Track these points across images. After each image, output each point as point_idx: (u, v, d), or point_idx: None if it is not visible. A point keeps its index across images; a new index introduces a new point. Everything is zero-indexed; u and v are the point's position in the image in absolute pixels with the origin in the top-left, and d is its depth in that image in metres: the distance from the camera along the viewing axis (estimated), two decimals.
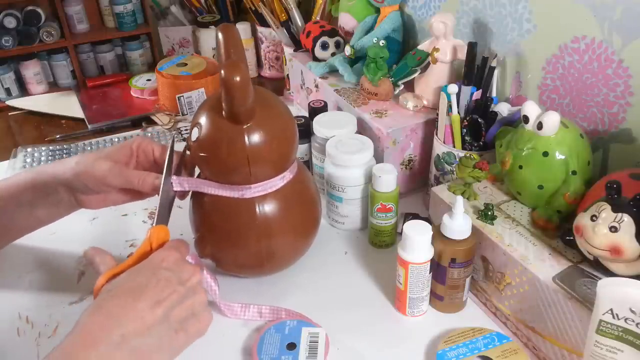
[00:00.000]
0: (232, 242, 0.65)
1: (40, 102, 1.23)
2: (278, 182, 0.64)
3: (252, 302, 0.68)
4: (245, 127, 0.59)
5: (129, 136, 1.07)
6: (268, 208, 0.64)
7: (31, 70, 1.26)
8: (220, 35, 0.62)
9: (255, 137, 0.60)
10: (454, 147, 0.74)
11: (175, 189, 0.63)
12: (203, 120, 0.61)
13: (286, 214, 0.65)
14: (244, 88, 0.56)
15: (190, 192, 0.67)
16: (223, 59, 0.62)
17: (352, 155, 0.74)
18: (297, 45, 1.08)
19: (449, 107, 0.73)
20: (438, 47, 0.80)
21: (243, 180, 0.62)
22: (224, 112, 0.59)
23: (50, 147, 1.02)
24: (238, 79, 0.55)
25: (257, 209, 0.64)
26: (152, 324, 0.48)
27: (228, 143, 0.60)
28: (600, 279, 0.50)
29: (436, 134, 0.77)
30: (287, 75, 1.16)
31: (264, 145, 0.60)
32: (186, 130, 1.08)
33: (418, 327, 0.64)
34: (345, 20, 1.03)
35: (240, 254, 0.66)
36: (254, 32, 1.29)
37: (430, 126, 0.80)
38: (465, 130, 0.73)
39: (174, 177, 0.63)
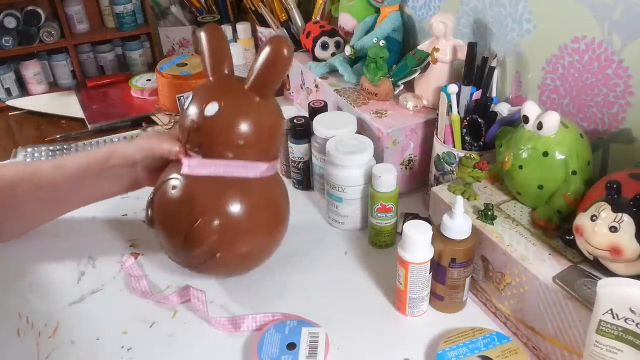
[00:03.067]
0: (245, 227, 0.63)
1: (40, 102, 1.23)
2: (273, 168, 0.66)
3: (252, 302, 0.68)
4: (266, 101, 0.63)
5: (129, 136, 1.07)
6: (274, 189, 0.65)
7: (31, 70, 1.26)
8: (204, 36, 0.65)
9: (274, 112, 0.64)
10: (454, 147, 0.74)
11: (184, 171, 0.63)
12: (222, 94, 0.62)
13: (283, 195, 0.68)
14: (289, 62, 0.61)
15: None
16: (207, 59, 0.65)
17: (352, 155, 0.74)
18: (297, 45, 1.08)
19: (449, 107, 0.73)
20: (438, 47, 0.80)
21: (260, 156, 0.63)
22: (249, 86, 0.62)
23: (50, 147, 1.02)
24: (286, 52, 0.60)
25: (266, 189, 0.65)
26: None
27: (258, 115, 0.62)
28: (600, 279, 0.50)
29: (436, 134, 0.77)
30: (287, 75, 1.15)
31: (278, 120, 0.64)
32: None
33: (418, 327, 0.64)
34: (345, 20, 1.03)
35: (252, 239, 0.65)
36: (254, 32, 1.28)
37: (430, 126, 0.80)
38: (465, 130, 0.73)
39: (184, 159, 0.63)
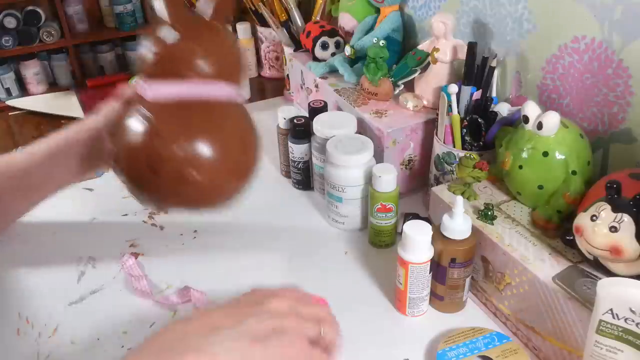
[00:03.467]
0: (219, 145, 0.58)
1: (40, 102, 1.23)
2: (238, 93, 0.63)
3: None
4: (221, 24, 0.61)
5: None
6: (243, 115, 0.62)
7: (31, 70, 1.26)
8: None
9: (230, 34, 0.63)
10: (454, 147, 0.74)
11: (147, 95, 0.57)
12: (176, 21, 0.59)
13: (251, 124, 0.64)
14: None
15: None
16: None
17: (352, 155, 0.74)
18: (297, 45, 1.08)
19: (449, 107, 0.73)
20: (438, 47, 0.80)
21: (236, 79, 0.61)
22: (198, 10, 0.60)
23: None
24: None
25: (236, 114, 0.61)
26: None
27: (216, 35, 0.60)
28: (600, 279, 0.50)
29: (436, 134, 0.77)
30: (287, 75, 1.15)
31: (235, 42, 0.63)
32: None
33: (418, 327, 0.64)
34: (345, 20, 1.03)
35: (226, 165, 0.60)
36: (254, 32, 1.29)
37: (430, 126, 0.80)
38: (465, 130, 0.73)
39: (144, 84, 0.58)
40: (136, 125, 0.57)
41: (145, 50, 0.59)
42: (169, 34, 0.58)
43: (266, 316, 0.46)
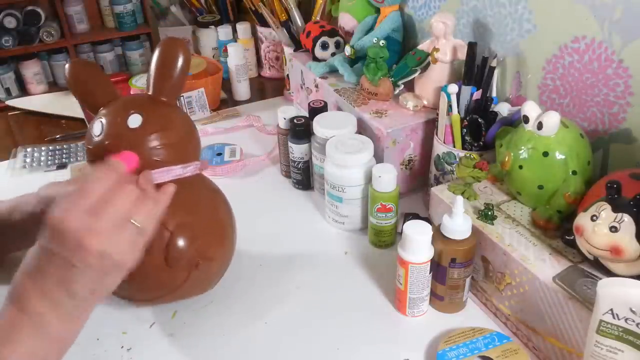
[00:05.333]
0: (210, 225, 0.61)
1: (40, 102, 1.23)
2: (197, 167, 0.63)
3: (251, 301, 0.68)
4: (174, 103, 0.62)
5: None
6: (211, 188, 0.65)
7: (31, 70, 1.26)
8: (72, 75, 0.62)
9: (184, 113, 0.63)
10: (454, 147, 0.74)
11: (157, 181, 0.58)
12: (137, 106, 0.59)
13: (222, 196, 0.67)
14: (187, 62, 0.60)
15: None
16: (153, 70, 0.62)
17: (352, 155, 0.74)
18: (297, 45, 1.08)
19: (449, 107, 0.73)
20: (438, 47, 0.80)
21: (192, 157, 0.61)
22: (152, 90, 0.60)
23: (50, 147, 1.02)
24: (183, 56, 0.60)
25: (205, 187, 0.63)
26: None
27: (182, 117, 0.61)
28: (600, 279, 0.51)
29: (436, 134, 0.77)
30: (287, 75, 1.15)
31: (190, 121, 0.63)
32: None
33: (418, 327, 0.64)
34: (345, 20, 1.03)
35: (218, 236, 0.63)
36: (254, 32, 1.29)
37: (430, 126, 0.80)
38: (465, 130, 0.73)
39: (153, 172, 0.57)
40: None
41: (110, 135, 0.58)
42: (134, 120, 0.58)
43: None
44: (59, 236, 0.46)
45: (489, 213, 0.63)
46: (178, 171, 0.58)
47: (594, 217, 0.51)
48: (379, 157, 0.78)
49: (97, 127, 0.58)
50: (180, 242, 0.59)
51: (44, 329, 0.47)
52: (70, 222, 0.46)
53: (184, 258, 0.59)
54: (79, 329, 0.51)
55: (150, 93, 0.61)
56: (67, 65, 0.62)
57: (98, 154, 0.57)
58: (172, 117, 0.60)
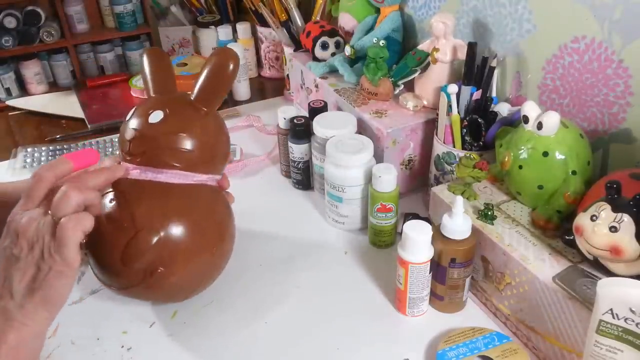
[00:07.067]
0: (189, 241, 0.58)
1: (40, 102, 1.23)
2: (214, 182, 0.64)
3: (251, 301, 0.68)
4: (212, 113, 0.62)
5: None
6: (218, 205, 0.63)
7: (31, 70, 1.26)
8: (145, 59, 0.64)
9: (219, 125, 0.64)
10: (454, 147, 0.74)
11: (132, 176, 0.58)
12: (167, 104, 0.60)
13: (227, 213, 0.66)
14: (233, 75, 0.61)
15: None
16: (149, 81, 0.64)
17: (352, 155, 0.74)
18: (297, 45, 1.08)
19: (449, 107, 0.73)
20: (438, 47, 0.80)
21: (203, 170, 0.61)
22: (194, 96, 0.61)
23: (50, 147, 1.02)
24: (232, 66, 0.60)
25: (210, 204, 0.62)
26: None
27: (204, 125, 0.61)
28: (600, 279, 0.50)
29: (436, 134, 0.77)
30: (287, 75, 1.16)
31: (222, 133, 0.64)
32: None
33: (418, 327, 0.64)
34: (345, 20, 1.03)
35: (195, 255, 0.60)
36: (254, 32, 1.29)
37: (430, 126, 0.80)
38: (465, 130, 0.73)
39: (124, 165, 0.58)
40: (109, 208, 0.57)
41: (130, 126, 0.60)
42: (155, 116, 0.59)
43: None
44: (5, 232, 0.50)
45: (489, 213, 0.63)
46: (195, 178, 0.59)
47: (594, 217, 0.51)
48: (379, 157, 0.78)
49: (129, 114, 0.61)
50: (142, 245, 0.56)
51: None
52: (14, 216, 0.51)
53: (141, 261, 0.56)
54: (27, 338, 0.49)
55: (192, 97, 0.61)
56: (143, 51, 0.66)
57: (122, 136, 0.61)
58: (197, 123, 0.60)
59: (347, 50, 0.93)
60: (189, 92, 0.62)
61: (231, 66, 0.60)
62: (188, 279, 0.61)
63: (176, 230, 0.57)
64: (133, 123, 0.60)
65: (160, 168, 0.58)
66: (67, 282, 0.50)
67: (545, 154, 0.61)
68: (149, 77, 0.64)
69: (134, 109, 0.62)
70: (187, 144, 0.59)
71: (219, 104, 0.62)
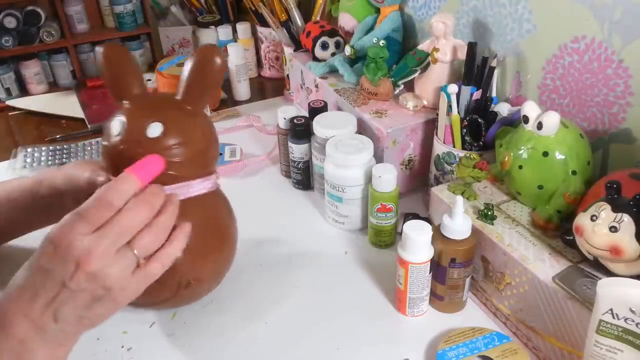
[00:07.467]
0: (201, 247, 0.58)
1: (40, 102, 1.23)
2: (215, 183, 0.62)
3: (251, 301, 0.68)
4: (201, 112, 0.59)
5: None
6: (219, 205, 0.62)
7: (31, 70, 1.26)
8: (104, 58, 0.60)
9: (209, 123, 0.61)
10: (454, 147, 0.74)
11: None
12: (159, 112, 0.57)
13: (228, 212, 0.65)
14: (219, 72, 0.58)
15: None
16: (117, 82, 0.61)
17: (352, 155, 0.74)
18: (297, 45, 1.08)
19: (449, 107, 0.73)
20: (438, 47, 0.80)
21: (201, 173, 0.58)
22: (181, 98, 0.58)
23: (50, 147, 1.02)
24: (218, 61, 0.57)
25: (212, 207, 0.61)
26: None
27: (200, 128, 0.58)
28: (600, 279, 0.50)
29: (436, 134, 0.77)
30: (287, 75, 1.16)
31: (214, 131, 0.61)
32: None
33: (418, 327, 0.64)
34: (345, 20, 1.03)
35: (221, 257, 0.62)
36: (254, 32, 1.29)
37: (430, 126, 0.80)
38: (465, 130, 0.73)
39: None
40: None
41: (125, 141, 0.56)
42: (154, 130, 0.55)
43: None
44: (57, 254, 0.45)
45: (489, 213, 0.63)
46: (197, 187, 0.57)
47: (594, 217, 0.51)
48: (379, 157, 0.78)
49: (117, 127, 0.57)
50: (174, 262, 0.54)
51: (25, 355, 0.45)
52: (71, 242, 0.44)
53: (174, 278, 0.57)
54: (61, 356, 0.49)
55: (178, 97, 0.59)
56: (100, 48, 0.60)
57: (113, 156, 0.56)
58: (194, 128, 0.57)
59: (347, 50, 0.93)
60: (173, 93, 0.59)
61: (218, 60, 0.57)
62: (213, 281, 0.65)
63: (196, 239, 0.56)
64: (129, 139, 0.55)
65: (165, 184, 0.54)
66: (116, 310, 0.49)
67: (545, 154, 0.61)
68: (113, 77, 0.61)
69: (121, 121, 0.57)
70: (189, 153, 0.57)
71: (207, 102, 0.61)
